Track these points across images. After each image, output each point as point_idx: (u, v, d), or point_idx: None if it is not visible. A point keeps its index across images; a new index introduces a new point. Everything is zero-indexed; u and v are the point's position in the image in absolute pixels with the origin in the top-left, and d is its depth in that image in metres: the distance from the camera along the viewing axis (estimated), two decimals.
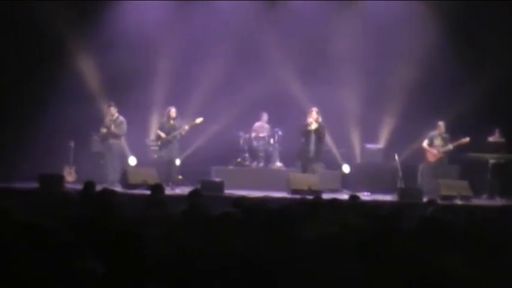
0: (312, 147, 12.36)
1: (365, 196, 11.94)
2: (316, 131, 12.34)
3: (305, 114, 12.55)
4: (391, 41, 14.04)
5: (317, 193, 10.31)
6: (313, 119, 12.33)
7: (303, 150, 12.47)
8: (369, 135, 14.46)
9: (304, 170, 12.49)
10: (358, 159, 14.42)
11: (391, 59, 14.02)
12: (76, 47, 13.59)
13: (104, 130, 12.58)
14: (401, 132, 14.02)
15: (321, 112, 12.46)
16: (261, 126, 14.33)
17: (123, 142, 12.84)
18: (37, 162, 11.87)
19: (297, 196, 9.95)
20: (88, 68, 13.70)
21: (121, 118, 12.57)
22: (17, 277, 2.94)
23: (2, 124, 13.00)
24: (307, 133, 12.35)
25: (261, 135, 14.14)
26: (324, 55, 14.13)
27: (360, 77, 14.02)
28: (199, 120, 12.58)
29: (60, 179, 11.17)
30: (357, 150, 14.48)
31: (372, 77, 14.02)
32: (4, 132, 12.89)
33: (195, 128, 12.76)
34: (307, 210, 5.71)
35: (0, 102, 13.06)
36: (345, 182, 13.62)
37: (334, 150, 14.10)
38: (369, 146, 14.33)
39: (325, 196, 9.07)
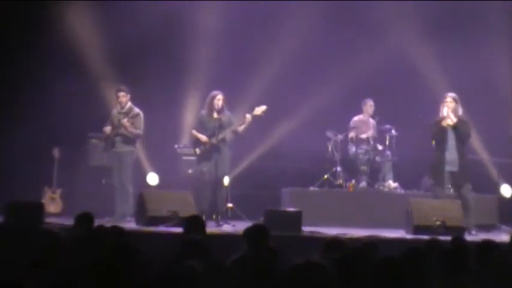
0: (453, 155, 12.16)
1: None
2: (456, 128, 12.20)
3: (436, 103, 12.43)
4: None
5: (457, 231, 10.22)
6: (450, 110, 12.20)
7: (436, 161, 12.29)
8: None
9: (439, 193, 12.27)
10: None
11: None
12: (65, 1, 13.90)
13: (108, 129, 12.69)
14: None
15: (465, 100, 12.26)
16: (364, 122, 14.30)
17: (138, 149, 13.02)
18: (3, 183, 12.16)
19: (424, 236, 9.89)
20: (84, 33, 13.95)
21: (136, 110, 12.69)
22: None
23: None
24: (441, 133, 12.21)
25: (363, 136, 14.12)
26: (466, 9, 14.03)
27: None
28: (260, 109, 12.52)
29: (39, 209, 11.36)
30: None
31: None
32: None
33: (254, 125, 12.77)
34: (443, 260, 5.69)
35: None
36: (505, 213, 13.47)
37: (487, 160, 13.95)
38: None
39: (471, 237, 8.97)
